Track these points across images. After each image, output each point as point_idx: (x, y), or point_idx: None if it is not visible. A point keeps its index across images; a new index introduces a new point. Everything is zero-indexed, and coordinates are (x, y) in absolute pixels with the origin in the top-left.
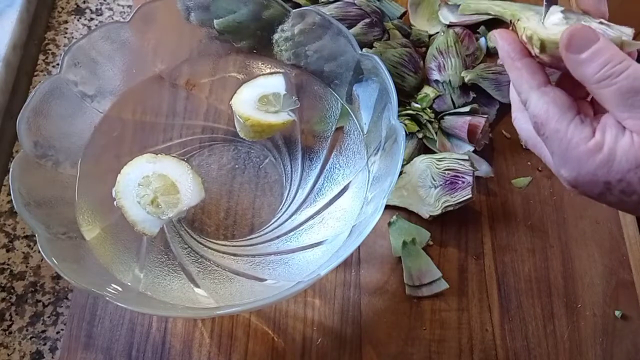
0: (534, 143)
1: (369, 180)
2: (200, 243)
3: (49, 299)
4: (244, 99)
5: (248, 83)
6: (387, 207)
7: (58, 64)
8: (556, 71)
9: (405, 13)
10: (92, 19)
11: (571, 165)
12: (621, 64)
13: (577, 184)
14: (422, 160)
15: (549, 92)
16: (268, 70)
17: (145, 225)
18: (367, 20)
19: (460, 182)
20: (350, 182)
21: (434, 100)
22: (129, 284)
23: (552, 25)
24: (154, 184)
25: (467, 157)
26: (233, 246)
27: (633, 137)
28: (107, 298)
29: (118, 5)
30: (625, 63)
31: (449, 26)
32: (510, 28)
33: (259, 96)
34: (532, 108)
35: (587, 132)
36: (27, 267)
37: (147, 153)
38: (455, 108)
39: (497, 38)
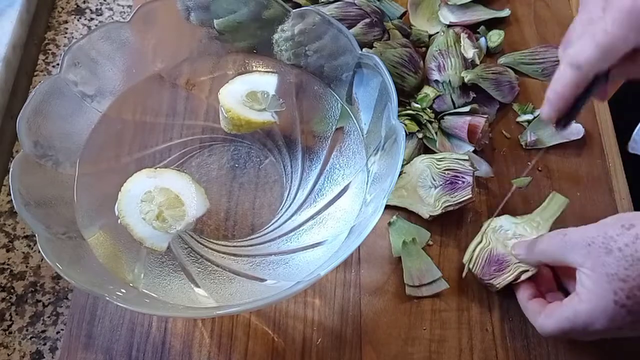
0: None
1: (369, 180)
2: (200, 243)
3: (49, 299)
4: (232, 91)
5: (241, 76)
6: (387, 207)
7: (58, 64)
8: None
9: (405, 13)
10: (92, 19)
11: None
12: (540, 241)
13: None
14: (422, 160)
15: (542, 315)
16: (267, 69)
17: (153, 241)
18: (367, 20)
19: (460, 182)
20: (350, 182)
21: (434, 100)
22: (129, 284)
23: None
24: (157, 198)
25: (467, 157)
26: (233, 246)
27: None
28: (107, 298)
29: (118, 5)
30: (540, 239)
31: (449, 26)
32: None
33: (247, 91)
34: (542, 329)
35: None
36: (27, 267)
37: (145, 168)
38: (455, 108)
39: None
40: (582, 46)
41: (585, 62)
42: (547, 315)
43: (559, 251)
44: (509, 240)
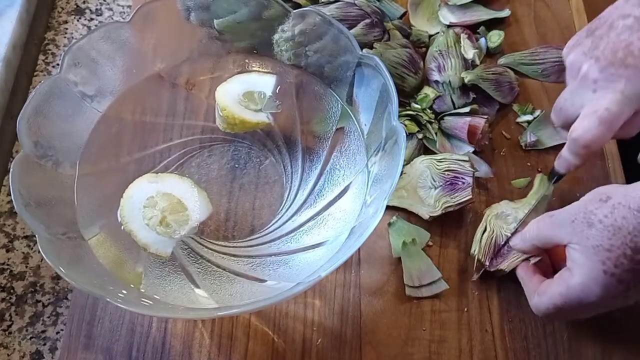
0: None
1: (369, 181)
2: (201, 244)
3: (49, 299)
4: (230, 89)
5: (239, 76)
6: (387, 207)
7: (58, 64)
8: None
9: (405, 13)
10: (92, 19)
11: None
12: (532, 227)
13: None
14: (422, 161)
15: (536, 294)
16: (267, 70)
17: (158, 247)
18: (367, 20)
19: (460, 183)
20: (350, 183)
21: (434, 100)
22: (130, 284)
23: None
24: (160, 203)
25: (467, 158)
26: (233, 247)
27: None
28: (108, 299)
29: (118, 5)
30: (532, 225)
31: (449, 26)
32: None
33: (244, 91)
34: (536, 307)
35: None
36: (27, 267)
37: (147, 173)
38: (455, 109)
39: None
40: (586, 125)
41: (591, 140)
42: (540, 294)
43: (548, 233)
44: (509, 225)
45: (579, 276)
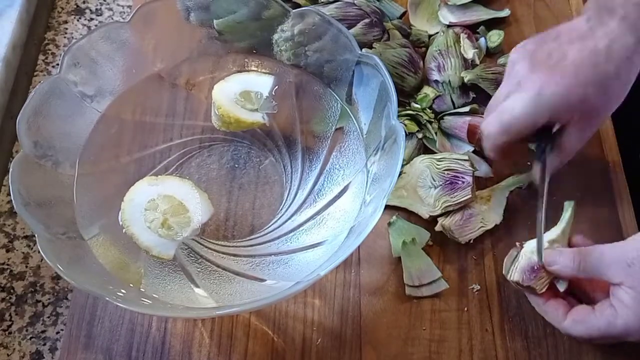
0: None
1: (368, 180)
2: (200, 244)
3: (49, 299)
4: (227, 88)
5: (238, 75)
6: (387, 207)
7: (58, 64)
8: None
9: (405, 13)
10: (92, 19)
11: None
12: (576, 256)
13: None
14: (421, 161)
15: (569, 318)
16: (265, 70)
17: (160, 249)
18: (366, 20)
19: (460, 182)
20: (350, 182)
21: (433, 100)
22: (129, 284)
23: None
24: (161, 206)
25: (466, 157)
26: (233, 246)
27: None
28: (107, 299)
29: (118, 5)
30: (577, 254)
31: (449, 26)
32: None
33: (242, 90)
34: (567, 331)
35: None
36: (27, 267)
37: (147, 174)
38: (455, 108)
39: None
40: (489, 120)
41: (488, 134)
42: (577, 322)
43: (597, 269)
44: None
45: (624, 318)
